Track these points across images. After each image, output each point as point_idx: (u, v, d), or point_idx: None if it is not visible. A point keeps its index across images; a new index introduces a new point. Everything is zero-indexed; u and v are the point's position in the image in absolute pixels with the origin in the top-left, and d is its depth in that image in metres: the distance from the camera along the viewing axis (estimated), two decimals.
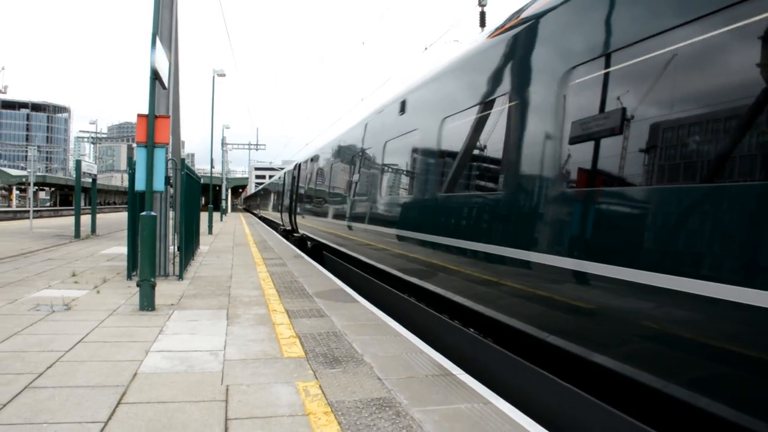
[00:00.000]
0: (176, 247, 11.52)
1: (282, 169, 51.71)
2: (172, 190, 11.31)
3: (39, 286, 9.30)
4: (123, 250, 13.55)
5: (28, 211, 27.54)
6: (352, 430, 3.71)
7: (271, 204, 37.64)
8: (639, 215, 3.64)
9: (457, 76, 6.77)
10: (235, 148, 61.89)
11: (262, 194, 54.63)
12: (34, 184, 26.18)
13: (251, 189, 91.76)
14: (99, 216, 29.56)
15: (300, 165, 22.04)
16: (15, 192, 74.05)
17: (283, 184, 27.98)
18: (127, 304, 7.90)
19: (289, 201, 24.08)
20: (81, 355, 5.33)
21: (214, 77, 31.43)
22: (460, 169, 6.47)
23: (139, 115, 7.68)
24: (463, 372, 5.00)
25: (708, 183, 3.14)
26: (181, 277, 10.47)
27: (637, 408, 3.85)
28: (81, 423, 3.73)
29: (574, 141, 4.31)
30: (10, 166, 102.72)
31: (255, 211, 65.59)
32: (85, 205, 47.56)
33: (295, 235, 22.35)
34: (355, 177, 11.26)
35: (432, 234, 6.81)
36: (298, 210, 20.51)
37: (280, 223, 28.16)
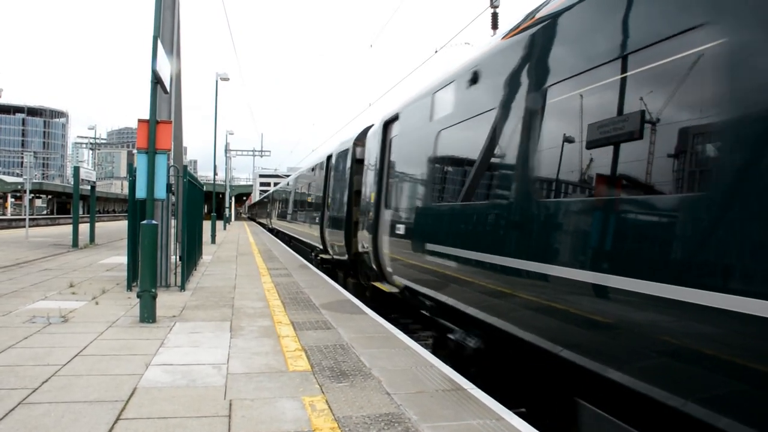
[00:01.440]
0: (178, 257, 11.39)
1: (287, 176, 45.37)
2: (173, 198, 11.20)
3: (35, 297, 9.16)
4: (123, 259, 13.42)
5: (24, 220, 27.44)
6: None
7: (295, 213, 24.13)
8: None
9: None
10: (239, 154, 61.74)
11: (275, 199, 38.45)
12: (30, 192, 26.13)
13: (255, 196, 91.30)
14: (98, 224, 29.47)
15: (395, 120, 9.42)
16: (10, 200, 73.94)
17: (326, 177, 15.92)
18: (127, 316, 7.77)
19: (346, 208, 12.68)
20: (78, 369, 5.21)
21: (217, 81, 31.10)
22: None
23: (140, 121, 7.59)
24: (475, 387, 4.89)
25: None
26: (183, 287, 10.33)
27: None
28: None
29: None
30: (5, 173, 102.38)
31: (262, 220, 55.52)
32: (83, 214, 47.55)
33: (380, 287, 9.92)
34: None
35: None
36: (399, 229, 8.45)
37: (318, 245, 16.64)
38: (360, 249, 11.12)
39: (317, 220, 16.37)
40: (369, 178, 10.81)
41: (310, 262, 17.51)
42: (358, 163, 12.26)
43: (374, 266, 9.94)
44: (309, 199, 19.51)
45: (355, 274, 12.44)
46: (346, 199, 12.62)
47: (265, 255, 19.28)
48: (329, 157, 15.86)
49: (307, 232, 19.07)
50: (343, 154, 13.77)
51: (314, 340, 6.54)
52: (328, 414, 4.13)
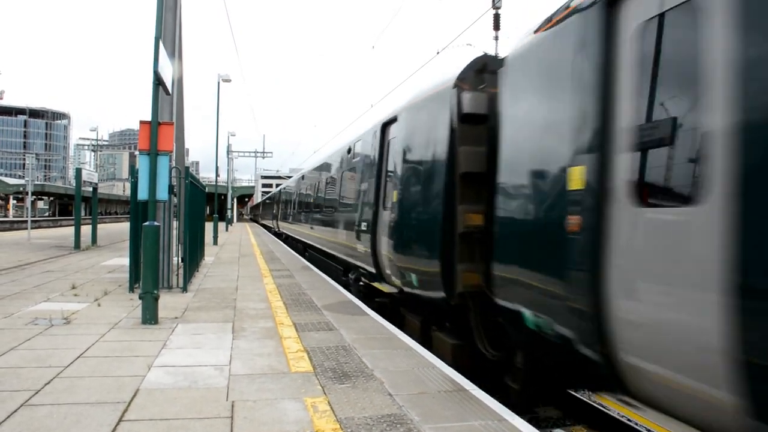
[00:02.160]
0: (180, 258, 11.39)
1: (289, 177, 42.87)
2: (175, 200, 11.20)
3: (37, 299, 9.16)
4: (125, 261, 13.45)
5: (26, 222, 27.45)
6: None
7: (316, 214, 16.90)
8: None
9: None
10: (241, 155, 61.37)
11: (284, 198, 30.13)
12: (33, 194, 26.17)
13: (257, 198, 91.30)
14: (100, 226, 29.49)
15: None
16: (12, 201, 74.08)
17: (382, 156, 9.70)
18: (129, 318, 7.77)
19: (441, 208, 6.67)
20: (81, 370, 5.21)
21: (219, 83, 31.05)
22: None
23: (142, 122, 7.59)
24: (476, 387, 4.88)
25: None
26: (185, 289, 10.32)
27: None
28: None
29: None
30: (7, 175, 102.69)
31: (267, 222, 46.86)
32: (85, 215, 47.52)
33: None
34: None
35: None
36: None
37: (364, 265, 10.38)
38: (502, 299, 5.43)
39: (363, 227, 10.03)
40: (528, 141, 5.20)
41: (345, 287, 11.65)
42: (468, 122, 6.50)
43: (599, 356, 4.07)
44: (344, 195, 12.66)
45: (457, 329, 6.91)
46: (439, 191, 6.74)
47: (267, 256, 19.28)
48: (388, 125, 9.40)
49: (341, 243, 12.41)
50: (427, 111, 7.48)
51: (316, 341, 6.53)
52: (330, 415, 4.12)
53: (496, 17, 9.39)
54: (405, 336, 6.92)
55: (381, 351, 6.10)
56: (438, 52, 13.33)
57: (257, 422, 3.97)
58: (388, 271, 8.84)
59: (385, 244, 8.77)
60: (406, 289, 7.90)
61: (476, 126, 6.44)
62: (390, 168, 9.08)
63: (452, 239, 6.41)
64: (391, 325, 7.63)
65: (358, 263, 10.72)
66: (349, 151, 12.48)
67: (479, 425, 3.99)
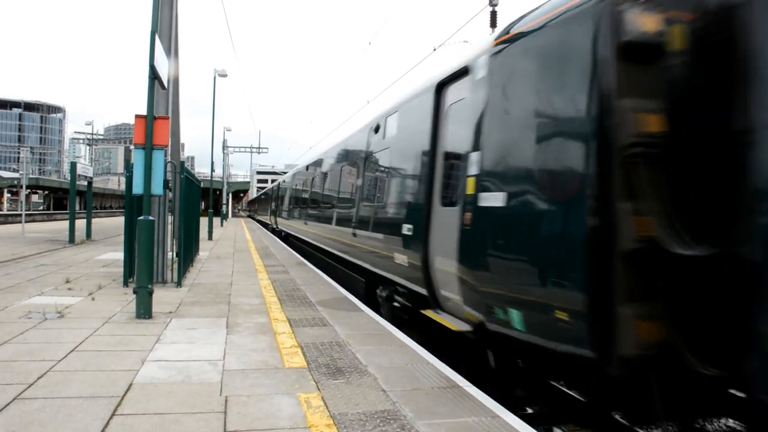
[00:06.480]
0: (175, 253, 11.35)
1: (284, 173, 41.44)
2: (170, 194, 11.16)
3: (31, 292, 9.13)
4: (119, 255, 13.39)
5: (20, 215, 27.36)
6: None
7: None
8: None
9: None
10: (237, 151, 60.99)
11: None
12: (27, 187, 26.05)
13: (253, 193, 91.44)
14: (95, 220, 29.30)
15: None
16: (6, 195, 73.84)
17: None
18: (123, 312, 7.75)
19: None
20: (74, 364, 5.20)
21: (215, 77, 30.93)
22: None
23: (138, 116, 7.56)
24: (470, 384, 4.89)
25: None
26: (179, 284, 10.30)
27: None
28: None
29: None
30: (1, 168, 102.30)
31: (269, 222, 36.57)
32: (80, 209, 47.35)
33: None
34: None
35: None
36: None
37: None
38: None
39: None
40: None
41: None
42: (635, 57, 3.83)
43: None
44: None
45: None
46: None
47: (261, 252, 19.25)
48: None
49: None
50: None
51: (310, 336, 6.53)
52: (323, 411, 4.13)
53: (493, 14, 9.39)
54: (399, 332, 6.92)
55: (375, 347, 6.11)
56: (435, 49, 13.32)
57: (251, 417, 3.97)
58: None
59: None
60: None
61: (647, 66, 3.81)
62: None
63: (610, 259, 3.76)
64: (385, 321, 7.63)
65: None
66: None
67: (473, 421, 4.00)
